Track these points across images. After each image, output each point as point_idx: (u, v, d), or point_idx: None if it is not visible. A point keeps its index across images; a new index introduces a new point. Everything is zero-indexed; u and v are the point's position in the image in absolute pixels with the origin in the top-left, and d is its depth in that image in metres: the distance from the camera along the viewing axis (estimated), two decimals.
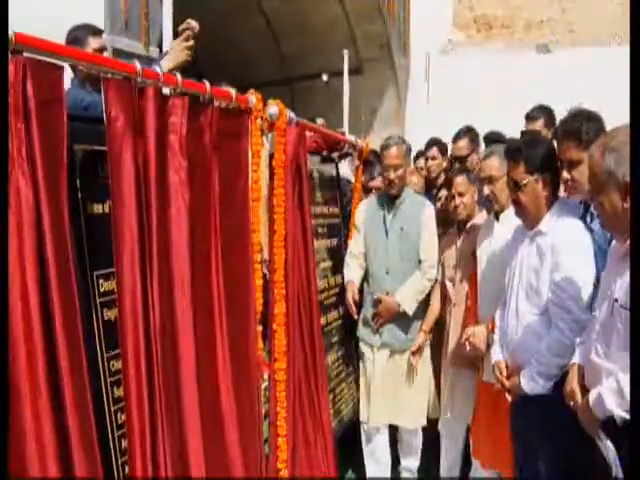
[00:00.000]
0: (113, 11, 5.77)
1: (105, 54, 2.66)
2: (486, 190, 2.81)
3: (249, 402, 2.25)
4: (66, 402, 1.40)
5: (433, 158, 4.23)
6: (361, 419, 3.47)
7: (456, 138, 3.96)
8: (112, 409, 1.73)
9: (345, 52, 6.26)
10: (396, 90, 10.70)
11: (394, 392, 3.32)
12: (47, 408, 1.37)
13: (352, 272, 3.39)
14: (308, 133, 2.95)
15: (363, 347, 3.44)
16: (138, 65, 1.67)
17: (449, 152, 4.25)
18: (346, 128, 4.02)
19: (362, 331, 3.41)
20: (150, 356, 1.68)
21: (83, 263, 1.67)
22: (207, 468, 1.84)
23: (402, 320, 3.28)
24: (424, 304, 3.34)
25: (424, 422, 3.39)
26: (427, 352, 3.38)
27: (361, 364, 3.47)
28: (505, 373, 2.52)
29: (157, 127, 1.70)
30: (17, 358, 1.33)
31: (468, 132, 3.98)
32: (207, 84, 1.97)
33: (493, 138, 3.87)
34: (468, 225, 3.16)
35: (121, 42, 6.19)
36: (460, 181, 3.14)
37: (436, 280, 3.31)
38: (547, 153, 2.37)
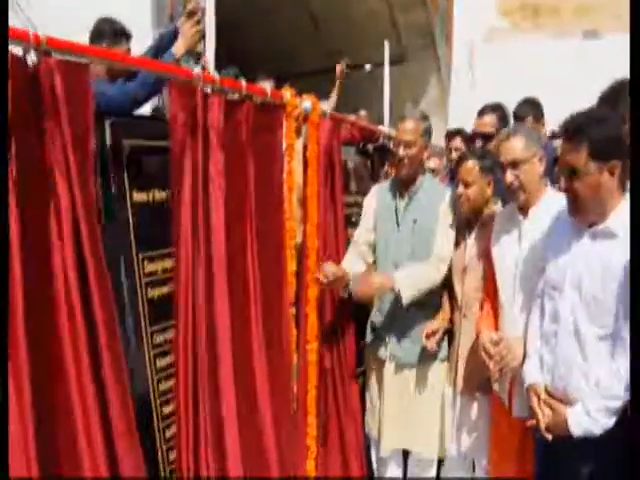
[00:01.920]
0: (159, 4, 5.94)
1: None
2: (509, 177, 2.28)
3: (283, 383, 2.40)
4: (105, 374, 1.56)
5: (456, 149, 3.80)
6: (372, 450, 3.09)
7: (481, 112, 3.42)
8: (155, 378, 1.91)
9: (386, 42, 6.27)
10: (439, 79, 10.64)
11: (404, 411, 2.85)
12: (89, 381, 1.52)
13: (346, 261, 2.85)
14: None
15: (370, 360, 3.01)
16: (195, 70, 1.91)
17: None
18: (387, 118, 4.04)
19: (370, 340, 2.96)
20: (195, 328, 1.88)
21: (130, 246, 1.85)
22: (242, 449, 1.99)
23: (410, 328, 2.79)
24: (435, 309, 2.81)
25: (437, 452, 2.87)
26: (437, 366, 2.84)
27: (368, 379, 3.04)
28: (544, 399, 2.00)
29: (201, 124, 1.86)
30: (60, 336, 1.48)
31: (497, 109, 3.41)
32: (243, 82, 2.11)
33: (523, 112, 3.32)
34: (480, 221, 2.66)
35: None
36: (469, 167, 2.59)
37: (444, 285, 2.79)
38: (617, 136, 1.86)
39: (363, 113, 5.50)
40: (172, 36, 2.65)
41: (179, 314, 1.85)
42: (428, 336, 2.68)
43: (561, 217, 2.09)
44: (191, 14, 2.37)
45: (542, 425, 1.96)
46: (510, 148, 2.30)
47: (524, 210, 2.35)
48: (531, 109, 3.38)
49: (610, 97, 2.23)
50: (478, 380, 2.56)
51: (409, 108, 9.98)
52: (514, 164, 2.29)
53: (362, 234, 2.94)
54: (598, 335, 1.88)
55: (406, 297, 2.64)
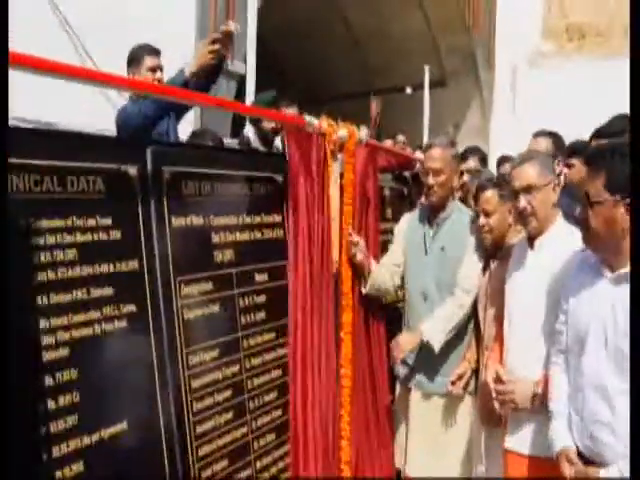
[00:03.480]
0: (202, 28, 6.14)
1: (158, 73, 2.83)
2: (522, 202, 2.23)
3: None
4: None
5: (469, 171, 3.46)
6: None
7: (536, 135, 3.31)
8: (189, 398, 1.96)
9: (426, 67, 6.35)
10: (481, 103, 10.61)
11: (427, 442, 2.80)
12: None
13: (375, 266, 2.82)
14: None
15: (397, 384, 2.99)
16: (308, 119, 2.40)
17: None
18: (425, 144, 4.05)
19: (399, 366, 2.90)
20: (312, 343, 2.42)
21: (167, 269, 1.91)
22: None
23: (439, 361, 2.74)
24: (462, 339, 2.78)
25: None
26: (468, 401, 2.77)
27: (398, 409, 2.99)
28: (578, 465, 1.86)
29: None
30: None
31: (551, 135, 3.28)
32: (306, 119, 2.42)
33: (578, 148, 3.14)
34: (500, 251, 2.59)
35: None
36: (489, 196, 2.56)
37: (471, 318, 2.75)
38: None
39: (401, 138, 5.52)
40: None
41: (297, 332, 2.35)
42: (453, 382, 2.68)
43: (579, 258, 2.00)
44: (214, 41, 2.45)
45: None
46: (523, 173, 2.26)
47: (531, 240, 2.30)
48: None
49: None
50: (493, 413, 2.47)
51: (446, 132, 9.99)
52: (528, 189, 2.24)
53: (390, 258, 2.92)
54: (626, 389, 1.75)
55: (436, 344, 2.67)
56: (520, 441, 2.23)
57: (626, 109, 2.05)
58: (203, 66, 2.48)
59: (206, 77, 2.63)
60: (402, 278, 2.92)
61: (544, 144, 3.19)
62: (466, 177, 3.08)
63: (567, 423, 1.95)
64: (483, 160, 3.67)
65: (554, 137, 3.28)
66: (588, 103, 8.90)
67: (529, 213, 2.24)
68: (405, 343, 2.70)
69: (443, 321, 2.69)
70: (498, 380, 2.27)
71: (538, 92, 9.90)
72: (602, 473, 1.78)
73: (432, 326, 2.68)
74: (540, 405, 2.15)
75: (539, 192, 2.23)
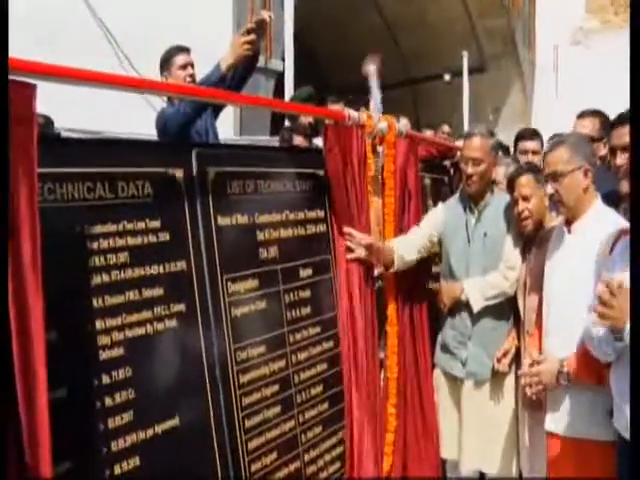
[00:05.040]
0: (240, 26, 6.17)
1: (190, 69, 2.85)
2: (549, 189, 2.26)
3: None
4: None
5: (534, 152, 3.47)
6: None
7: (580, 116, 3.23)
8: (237, 393, 2.01)
9: (465, 53, 6.24)
10: (522, 86, 10.36)
11: (480, 431, 2.80)
12: None
13: (396, 242, 2.73)
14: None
15: (441, 378, 2.94)
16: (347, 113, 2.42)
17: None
18: (465, 133, 3.98)
19: (441, 359, 2.91)
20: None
21: (215, 268, 1.96)
22: None
23: (486, 343, 2.77)
24: (506, 324, 2.78)
25: (514, 470, 2.78)
26: (511, 382, 2.77)
27: (440, 399, 2.94)
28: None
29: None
30: None
31: (597, 114, 3.18)
32: (347, 112, 2.44)
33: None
34: (539, 236, 2.60)
35: None
36: (525, 182, 2.58)
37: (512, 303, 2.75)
38: None
39: (446, 129, 5.44)
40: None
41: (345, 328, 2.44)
42: (499, 359, 2.71)
43: (619, 242, 1.96)
44: (248, 32, 2.42)
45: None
46: (552, 160, 2.26)
47: (569, 224, 2.28)
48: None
49: None
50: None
51: (486, 118, 9.78)
52: (554, 177, 2.23)
53: (426, 228, 2.87)
54: None
55: (475, 302, 2.70)
56: (558, 422, 2.22)
57: None
58: (239, 58, 2.46)
59: (243, 70, 2.63)
60: (444, 264, 2.92)
61: (589, 125, 3.11)
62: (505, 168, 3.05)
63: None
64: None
65: (600, 116, 3.15)
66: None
67: (556, 199, 2.25)
68: (447, 291, 2.78)
69: (485, 285, 2.72)
70: (531, 365, 2.26)
71: (582, 71, 9.61)
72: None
73: (474, 285, 2.72)
74: (568, 382, 2.14)
75: (565, 178, 2.21)
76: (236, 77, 2.62)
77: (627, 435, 1.84)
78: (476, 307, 2.70)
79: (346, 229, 2.51)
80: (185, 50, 2.90)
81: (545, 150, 2.36)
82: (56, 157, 1.49)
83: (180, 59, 2.86)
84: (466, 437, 2.84)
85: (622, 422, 1.90)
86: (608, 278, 1.89)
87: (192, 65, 2.89)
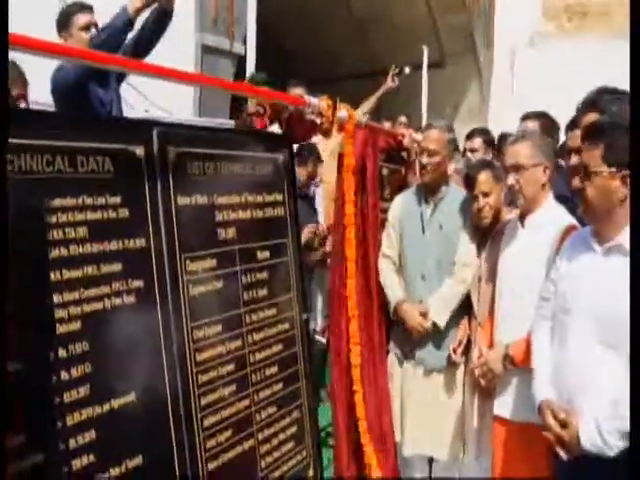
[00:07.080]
0: (203, 8, 6.07)
1: (93, 31, 2.55)
2: (510, 180, 2.35)
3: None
4: None
5: (472, 150, 3.57)
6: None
7: (524, 118, 3.32)
8: (194, 370, 2.04)
9: (424, 47, 6.35)
10: (479, 84, 10.59)
11: (428, 417, 2.89)
12: None
13: (390, 280, 2.92)
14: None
15: (394, 365, 3.03)
16: (307, 99, 2.42)
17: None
18: (424, 124, 4.09)
19: (393, 346, 3.02)
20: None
21: (174, 246, 1.98)
22: None
23: (439, 333, 2.85)
24: (461, 315, 2.89)
25: (461, 455, 2.90)
26: (460, 371, 2.90)
27: (391, 384, 3.02)
28: (561, 417, 1.88)
29: None
30: None
31: (540, 117, 3.27)
32: (306, 98, 2.48)
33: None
34: (494, 230, 2.68)
35: (209, 39, 6.59)
36: (484, 178, 2.65)
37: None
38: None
39: (403, 119, 5.56)
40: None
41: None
42: (455, 350, 2.82)
43: (576, 233, 2.11)
44: None
45: (558, 441, 1.88)
46: (515, 151, 2.38)
47: (522, 219, 2.44)
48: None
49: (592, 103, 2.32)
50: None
51: (446, 114, 9.96)
52: (517, 168, 2.35)
53: (390, 244, 3.01)
54: (606, 349, 1.83)
55: (441, 322, 2.82)
56: (504, 407, 2.36)
57: (626, 89, 2.13)
58: (142, 5, 2.28)
59: (154, 23, 2.44)
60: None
61: (531, 127, 3.21)
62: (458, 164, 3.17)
63: (548, 379, 2.00)
64: (487, 142, 3.71)
65: (543, 118, 3.29)
66: (588, 83, 8.86)
67: (516, 190, 2.37)
68: (415, 325, 2.84)
69: (447, 301, 2.83)
70: (480, 356, 2.44)
71: (537, 72, 9.90)
72: (574, 430, 1.83)
73: (436, 307, 2.82)
74: (513, 366, 2.32)
75: (527, 171, 2.34)
76: (146, 30, 2.41)
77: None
78: (443, 323, 2.82)
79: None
80: (87, 8, 2.57)
81: (510, 141, 2.47)
82: (14, 129, 1.48)
83: (82, 19, 2.54)
84: (409, 424, 2.92)
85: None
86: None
87: (96, 26, 2.57)
